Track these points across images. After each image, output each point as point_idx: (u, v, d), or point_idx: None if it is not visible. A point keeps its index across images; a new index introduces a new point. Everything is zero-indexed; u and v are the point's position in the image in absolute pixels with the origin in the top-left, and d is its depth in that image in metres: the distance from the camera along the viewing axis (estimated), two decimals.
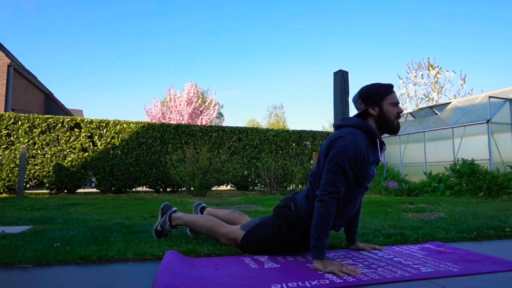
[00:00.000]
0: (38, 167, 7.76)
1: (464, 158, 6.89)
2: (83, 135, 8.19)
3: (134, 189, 8.82)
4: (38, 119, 7.92)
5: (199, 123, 18.23)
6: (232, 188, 9.96)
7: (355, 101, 1.79)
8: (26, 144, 7.63)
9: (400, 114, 1.74)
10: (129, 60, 44.78)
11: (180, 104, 18.64)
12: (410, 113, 11.46)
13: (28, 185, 7.74)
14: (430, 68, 20.10)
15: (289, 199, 1.82)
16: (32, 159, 7.74)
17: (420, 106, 16.64)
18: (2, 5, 28.57)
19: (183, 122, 17.95)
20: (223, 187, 10.70)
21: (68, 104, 37.76)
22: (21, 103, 12.24)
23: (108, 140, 8.36)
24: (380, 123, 1.72)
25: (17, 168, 7.29)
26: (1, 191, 7.44)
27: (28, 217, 2.99)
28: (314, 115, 53.48)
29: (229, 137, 9.54)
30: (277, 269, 1.49)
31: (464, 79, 19.55)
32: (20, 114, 7.95)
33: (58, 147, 7.96)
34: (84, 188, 9.53)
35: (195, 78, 42.30)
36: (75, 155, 8.03)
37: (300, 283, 1.29)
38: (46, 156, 7.83)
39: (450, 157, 8.26)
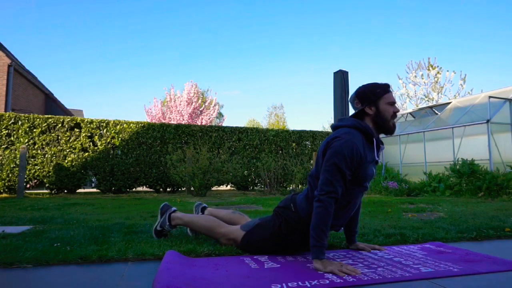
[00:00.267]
0: (38, 167, 7.76)
1: (464, 158, 6.90)
2: (83, 135, 8.19)
3: (134, 189, 8.82)
4: (38, 119, 7.92)
5: (199, 123, 18.24)
6: (232, 188, 9.96)
7: (352, 100, 1.80)
8: (26, 144, 7.64)
9: (396, 113, 1.74)
10: (129, 60, 44.82)
11: (180, 104, 18.65)
12: (410, 113, 11.47)
13: (28, 185, 7.74)
14: (430, 68, 20.11)
15: (289, 199, 1.82)
16: (32, 159, 7.74)
17: (420, 106, 16.64)
18: (2, 5, 28.58)
19: (183, 122, 17.96)
20: (223, 187, 10.70)
21: (68, 104, 37.79)
22: (21, 103, 12.24)
23: (108, 140, 8.37)
24: (376, 123, 1.73)
25: (17, 168, 7.29)
26: (1, 191, 7.44)
27: (28, 217, 2.99)
28: (314, 115, 53.50)
29: (229, 137, 9.54)
30: (277, 269, 1.49)
31: (464, 79, 19.56)
32: (20, 114, 7.96)
33: (58, 147, 7.96)
34: (84, 188, 9.53)
35: (195, 78, 42.34)
36: (75, 155, 8.03)
37: (300, 283, 1.29)
38: (46, 156, 7.83)
39: (450, 157, 8.26)
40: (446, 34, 34.76)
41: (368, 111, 1.73)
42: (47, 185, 7.87)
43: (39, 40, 40.28)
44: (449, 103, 10.09)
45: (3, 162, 7.47)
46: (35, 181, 7.88)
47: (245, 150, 9.57)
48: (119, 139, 8.45)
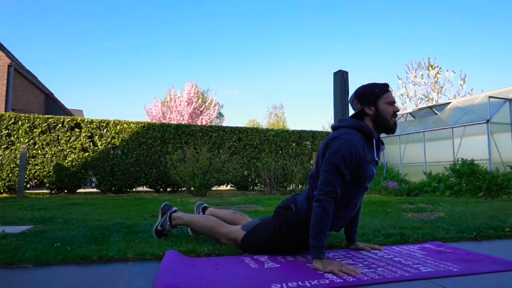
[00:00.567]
0: (39, 167, 7.76)
1: (463, 158, 6.90)
2: (84, 135, 8.19)
3: (134, 189, 8.82)
4: (38, 119, 7.93)
5: (199, 123, 18.24)
6: (232, 188, 9.96)
7: (351, 101, 1.80)
8: (27, 144, 7.64)
9: (396, 113, 1.74)
10: (130, 60, 44.84)
11: (180, 104, 18.65)
12: (410, 113, 11.46)
13: (28, 185, 7.74)
14: (430, 68, 20.11)
15: (290, 200, 1.82)
16: (33, 159, 7.74)
17: (420, 106, 16.64)
18: (2, 5, 28.58)
19: (183, 122, 17.96)
20: (223, 187, 10.71)
21: (69, 104, 37.80)
22: (21, 103, 12.24)
23: (108, 140, 8.37)
24: (376, 123, 1.73)
25: (17, 168, 7.29)
26: (2, 191, 7.45)
27: (29, 217, 3.00)
28: (314, 115, 53.49)
29: (229, 137, 9.55)
30: (277, 269, 1.49)
31: (464, 79, 19.56)
32: (20, 114, 7.96)
33: (59, 147, 7.96)
34: (84, 188, 9.53)
35: (195, 78, 42.34)
36: (76, 155, 8.03)
37: (300, 283, 1.29)
38: (47, 156, 7.83)
39: (450, 157, 8.26)
40: (446, 34, 34.78)
41: (367, 111, 1.73)
42: (47, 185, 7.88)
43: (39, 40, 40.30)
44: (449, 103, 10.09)
45: (3, 162, 7.48)
46: (35, 181, 7.89)
47: (245, 150, 9.57)
48: (119, 139, 8.45)
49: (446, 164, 7.66)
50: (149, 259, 1.65)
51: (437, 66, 20.04)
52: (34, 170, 7.72)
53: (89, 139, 8.27)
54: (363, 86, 1.78)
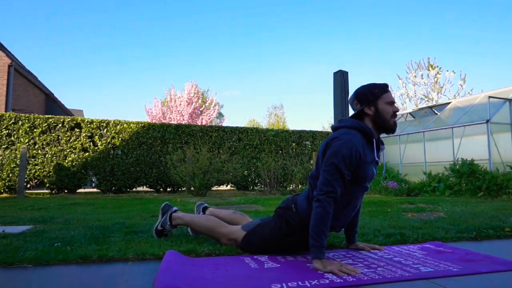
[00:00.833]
0: (39, 167, 7.77)
1: (463, 158, 6.90)
2: (84, 135, 8.19)
3: (134, 189, 8.82)
4: (38, 119, 7.93)
5: (199, 123, 18.24)
6: (232, 188, 9.96)
7: (351, 101, 1.80)
8: (27, 144, 7.64)
9: (396, 112, 1.74)
10: (130, 60, 44.84)
11: (180, 104, 18.65)
12: (410, 113, 11.46)
13: (28, 185, 7.75)
14: (430, 68, 20.11)
15: (290, 200, 1.82)
16: (33, 159, 7.75)
17: (420, 106, 16.64)
18: (2, 5, 28.58)
19: (183, 122, 17.96)
20: (223, 187, 10.71)
21: (69, 104, 37.81)
22: (21, 103, 12.25)
23: (108, 140, 8.37)
24: (376, 123, 1.73)
25: (17, 168, 7.29)
26: (2, 191, 7.45)
27: (29, 217, 3.00)
28: (314, 115, 53.50)
29: (229, 137, 9.55)
30: (277, 269, 1.49)
31: (464, 79, 19.56)
32: (20, 114, 7.97)
33: (59, 147, 7.96)
34: (84, 188, 9.53)
35: (195, 78, 42.37)
36: (76, 155, 8.04)
37: (300, 282, 1.30)
38: (47, 156, 7.83)
39: (450, 157, 8.26)
40: (446, 34, 34.77)
41: (367, 111, 1.73)
42: (47, 185, 7.88)
43: (40, 40, 40.30)
44: (449, 103, 10.09)
45: (3, 162, 7.48)
46: (36, 181, 7.89)
47: (245, 150, 9.57)
48: (119, 139, 8.45)
49: (446, 164, 7.66)
50: (149, 259, 1.65)
51: (437, 66, 20.05)
52: (34, 170, 7.73)
53: (89, 139, 8.27)
54: (362, 87, 1.78)
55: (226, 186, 9.90)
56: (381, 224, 2.66)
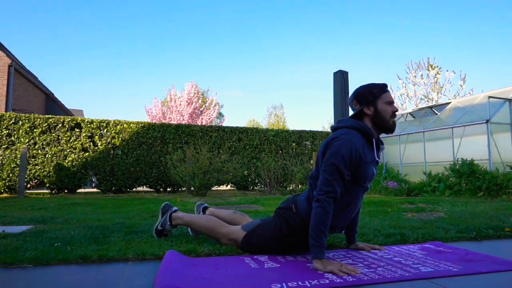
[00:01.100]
0: (39, 167, 7.77)
1: (463, 158, 6.89)
2: (84, 135, 8.19)
3: (134, 189, 8.82)
4: (38, 119, 7.93)
5: (199, 123, 18.24)
6: (232, 188, 9.96)
7: (350, 102, 1.81)
8: (27, 144, 7.64)
9: (395, 112, 1.75)
10: (130, 60, 44.84)
11: (180, 104, 18.65)
12: (410, 113, 11.46)
13: (28, 185, 7.75)
14: (430, 68, 20.10)
15: (290, 200, 1.82)
16: (33, 159, 7.75)
17: (420, 106, 16.64)
18: (2, 5, 28.59)
19: (183, 122, 17.96)
20: (223, 187, 10.71)
21: (69, 104, 37.81)
22: (21, 103, 12.24)
23: (108, 140, 8.37)
24: (376, 123, 1.73)
25: (17, 168, 7.29)
26: (2, 191, 7.45)
27: (29, 217, 3.00)
28: (314, 115, 53.49)
29: (229, 137, 9.55)
30: (277, 269, 1.49)
31: (464, 79, 19.56)
32: (20, 114, 7.97)
33: (59, 147, 7.97)
34: (84, 188, 9.54)
35: (195, 78, 42.36)
36: (76, 155, 8.04)
37: (300, 282, 1.30)
38: (47, 156, 7.83)
39: (450, 157, 8.26)
40: (446, 34, 34.77)
41: (366, 111, 1.73)
42: (47, 185, 7.88)
43: (40, 40, 40.30)
44: (449, 103, 10.09)
45: (3, 162, 7.48)
46: (36, 181, 7.89)
47: (245, 150, 9.57)
48: (120, 139, 8.45)
49: (446, 164, 7.66)
50: (149, 259, 1.65)
51: (437, 66, 20.04)
52: (35, 170, 7.73)
53: (89, 139, 8.27)
54: (361, 87, 1.78)
55: (226, 186, 9.90)
56: (381, 224, 2.66)
